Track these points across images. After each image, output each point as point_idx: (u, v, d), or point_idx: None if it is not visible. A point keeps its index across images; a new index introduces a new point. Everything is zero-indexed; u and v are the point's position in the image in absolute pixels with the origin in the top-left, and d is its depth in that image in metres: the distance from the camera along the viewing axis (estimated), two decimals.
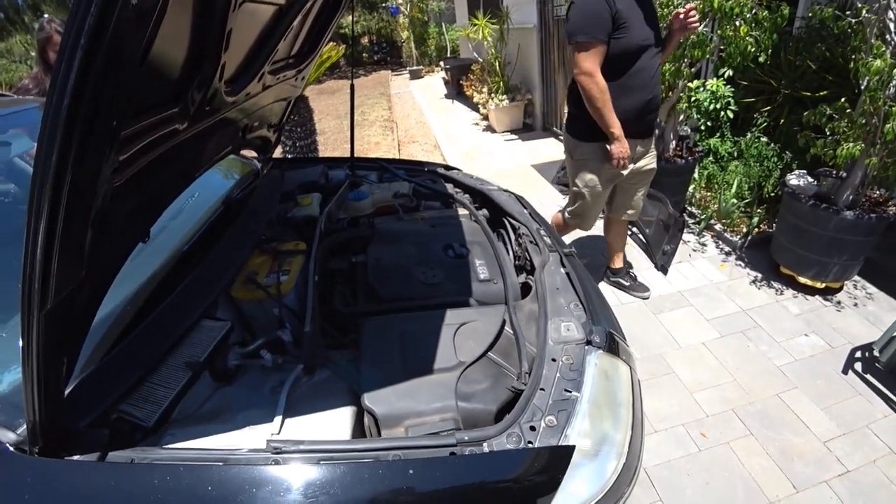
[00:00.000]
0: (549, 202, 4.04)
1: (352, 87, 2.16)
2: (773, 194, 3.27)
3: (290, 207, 1.84)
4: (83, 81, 0.60)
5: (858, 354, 2.32)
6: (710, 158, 3.74)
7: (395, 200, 1.93)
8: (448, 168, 2.32)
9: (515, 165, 5.07)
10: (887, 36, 2.20)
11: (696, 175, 3.65)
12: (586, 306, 1.33)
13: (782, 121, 3.39)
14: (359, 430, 1.07)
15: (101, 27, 0.59)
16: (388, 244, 1.62)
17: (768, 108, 3.52)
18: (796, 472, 1.83)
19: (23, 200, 1.70)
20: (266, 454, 0.92)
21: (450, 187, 2.08)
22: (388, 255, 1.56)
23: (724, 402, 2.14)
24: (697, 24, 2.16)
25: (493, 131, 6.28)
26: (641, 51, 2.02)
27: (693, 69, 3.14)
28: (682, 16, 2.07)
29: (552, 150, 5.35)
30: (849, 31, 2.42)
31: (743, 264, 3.07)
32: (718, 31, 2.93)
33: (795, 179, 2.80)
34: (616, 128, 2.04)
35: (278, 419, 1.01)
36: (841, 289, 2.78)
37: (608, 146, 2.11)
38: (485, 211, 1.94)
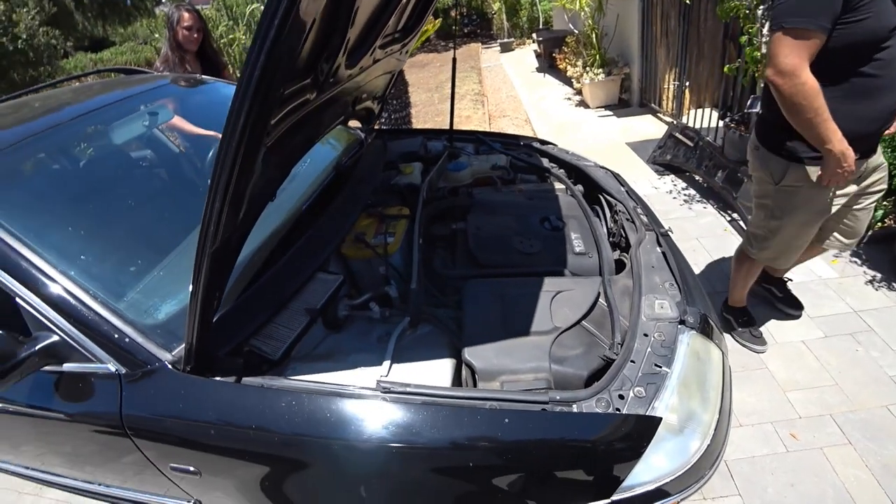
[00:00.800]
0: (644, 182, 3.89)
1: (454, 60, 2.22)
2: None
3: (393, 175, 1.96)
4: (268, 60, 0.74)
5: None
6: None
7: (493, 172, 1.99)
8: (543, 143, 2.33)
9: (609, 143, 4.90)
10: None
11: None
12: (681, 286, 1.33)
13: None
14: (457, 382, 1.17)
15: (282, 24, 0.72)
16: (486, 214, 1.69)
17: None
18: None
19: (162, 163, 2.01)
20: (376, 392, 1.04)
21: (546, 161, 2.10)
22: (487, 223, 1.63)
23: (821, 405, 2.01)
24: None
25: (587, 107, 6.06)
26: (889, 37, 1.45)
27: None
28: None
29: (649, 127, 5.09)
30: None
31: (859, 261, 2.79)
32: None
33: None
34: (837, 142, 1.50)
35: (387, 363, 1.14)
36: None
37: (824, 166, 1.58)
38: (580, 186, 1.95)
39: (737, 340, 2.30)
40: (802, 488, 1.73)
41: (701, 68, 4.71)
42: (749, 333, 2.28)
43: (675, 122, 4.48)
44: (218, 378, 1.10)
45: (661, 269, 1.39)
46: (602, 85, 5.85)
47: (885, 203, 2.93)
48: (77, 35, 16.26)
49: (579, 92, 6.45)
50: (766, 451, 1.86)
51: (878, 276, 2.66)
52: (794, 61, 1.43)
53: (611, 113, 5.76)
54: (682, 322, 1.21)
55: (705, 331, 1.23)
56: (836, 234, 1.94)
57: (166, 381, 1.12)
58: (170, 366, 1.12)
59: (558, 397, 1.01)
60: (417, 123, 6.07)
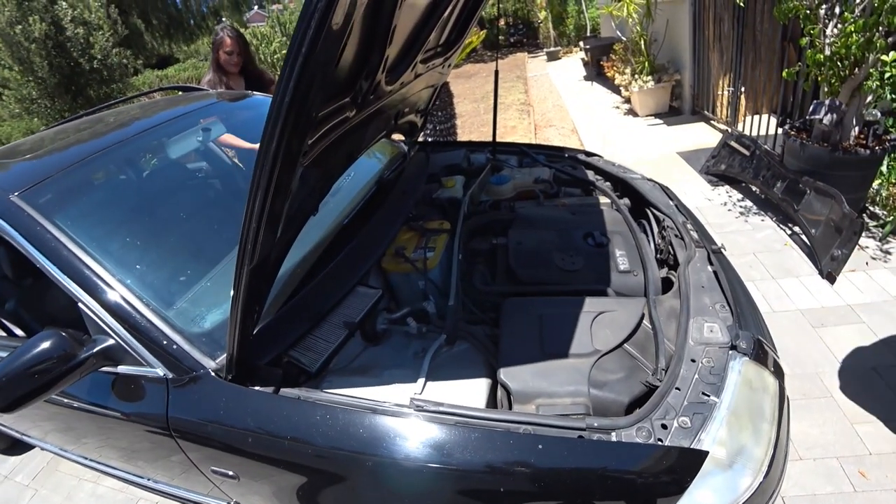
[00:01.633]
0: (697, 193, 3.72)
1: (496, 72, 2.21)
2: None
3: (435, 188, 1.97)
4: (299, 82, 0.75)
5: None
6: None
7: (536, 186, 1.96)
8: (588, 154, 2.27)
9: (659, 152, 4.73)
10: None
11: (883, 169, 3.08)
12: (733, 308, 1.25)
13: None
14: (491, 402, 1.15)
15: (313, 42, 0.73)
16: (528, 228, 1.66)
17: None
18: None
19: (213, 176, 2.10)
20: (409, 409, 1.04)
21: (591, 174, 2.04)
22: (528, 239, 1.60)
23: (895, 441, 1.83)
24: None
25: (636, 115, 5.90)
26: None
27: (889, 39, 2.62)
28: None
29: (702, 136, 4.88)
30: None
31: None
32: None
33: None
34: None
35: (421, 381, 1.13)
36: None
37: None
38: (626, 200, 1.89)
39: None
40: None
41: (757, 73, 4.49)
42: None
43: (729, 129, 4.28)
44: (257, 388, 1.13)
45: (712, 290, 1.32)
46: (651, 92, 5.68)
47: None
48: (146, 53, 17.48)
49: (628, 100, 6.30)
50: (829, 489, 1.72)
51: None
52: None
53: (661, 121, 5.58)
54: (733, 347, 1.13)
55: (759, 357, 1.14)
56: None
57: (209, 387, 1.16)
58: (213, 373, 1.16)
59: (596, 424, 0.97)
60: (462, 135, 6.10)
